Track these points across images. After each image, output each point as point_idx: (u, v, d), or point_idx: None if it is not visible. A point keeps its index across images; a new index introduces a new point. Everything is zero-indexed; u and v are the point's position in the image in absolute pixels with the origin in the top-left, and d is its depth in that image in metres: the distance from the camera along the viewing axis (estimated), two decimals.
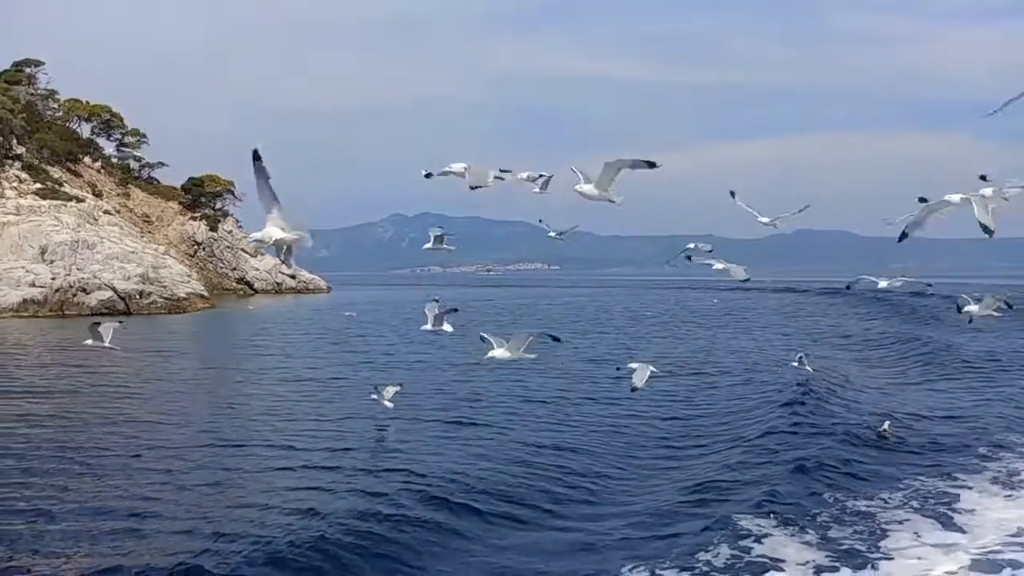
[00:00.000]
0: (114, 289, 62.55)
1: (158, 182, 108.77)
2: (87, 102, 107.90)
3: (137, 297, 62.96)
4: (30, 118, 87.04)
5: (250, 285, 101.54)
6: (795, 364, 20.28)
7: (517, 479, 13.24)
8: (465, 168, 9.48)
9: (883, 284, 16.39)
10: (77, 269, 63.48)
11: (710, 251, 16.17)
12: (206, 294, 71.26)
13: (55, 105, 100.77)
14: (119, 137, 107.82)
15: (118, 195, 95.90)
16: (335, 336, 39.50)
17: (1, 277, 61.04)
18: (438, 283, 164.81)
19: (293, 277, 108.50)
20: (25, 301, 59.50)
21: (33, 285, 61.06)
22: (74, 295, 61.70)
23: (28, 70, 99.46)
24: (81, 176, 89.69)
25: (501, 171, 9.72)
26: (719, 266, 15.14)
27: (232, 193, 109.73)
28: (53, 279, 61.71)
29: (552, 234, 12.55)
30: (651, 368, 13.38)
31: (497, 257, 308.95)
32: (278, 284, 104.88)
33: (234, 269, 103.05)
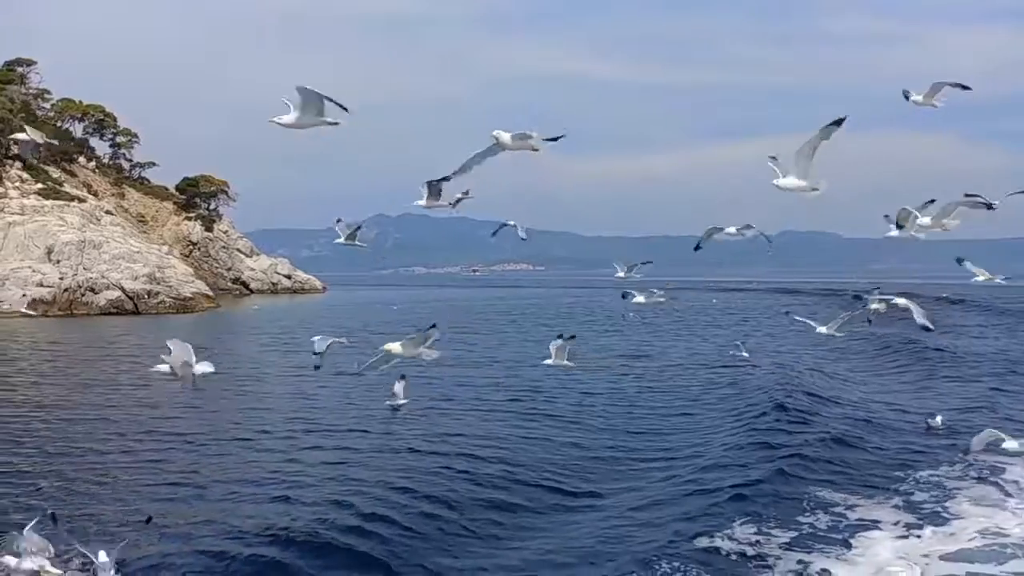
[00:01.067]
0: (122, 289, 63.02)
1: (148, 182, 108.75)
2: (80, 102, 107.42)
3: (146, 297, 63.44)
4: (27, 118, 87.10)
5: (246, 285, 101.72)
6: (732, 353, 22.11)
7: (623, 462, 14.62)
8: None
9: (822, 330, 17.55)
10: (84, 269, 63.89)
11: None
12: (210, 294, 71.81)
13: (46, 105, 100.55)
14: (112, 137, 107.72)
15: (113, 195, 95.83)
16: (359, 335, 40.55)
17: (8, 277, 61.35)
18: (426, 283, 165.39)
19: (289, 277, 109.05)
20: (34, 301, 59.81)
21: (41, 285, 61.42)
22: (83, 295, 62.12)
23: (20, 69, 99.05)
24: (76, 176, 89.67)
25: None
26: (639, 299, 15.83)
27: (226, 193, 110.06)
28: (61, 279, 62.09)
29: (523, 236, 12.30)
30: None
31: (483, 257, 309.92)
32: (274, 284, 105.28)
33: (229, 269, 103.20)
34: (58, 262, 64.06)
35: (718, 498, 12.28)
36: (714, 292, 67.30)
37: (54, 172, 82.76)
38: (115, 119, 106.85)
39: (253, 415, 18.72)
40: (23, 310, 22.26)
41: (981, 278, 12.30)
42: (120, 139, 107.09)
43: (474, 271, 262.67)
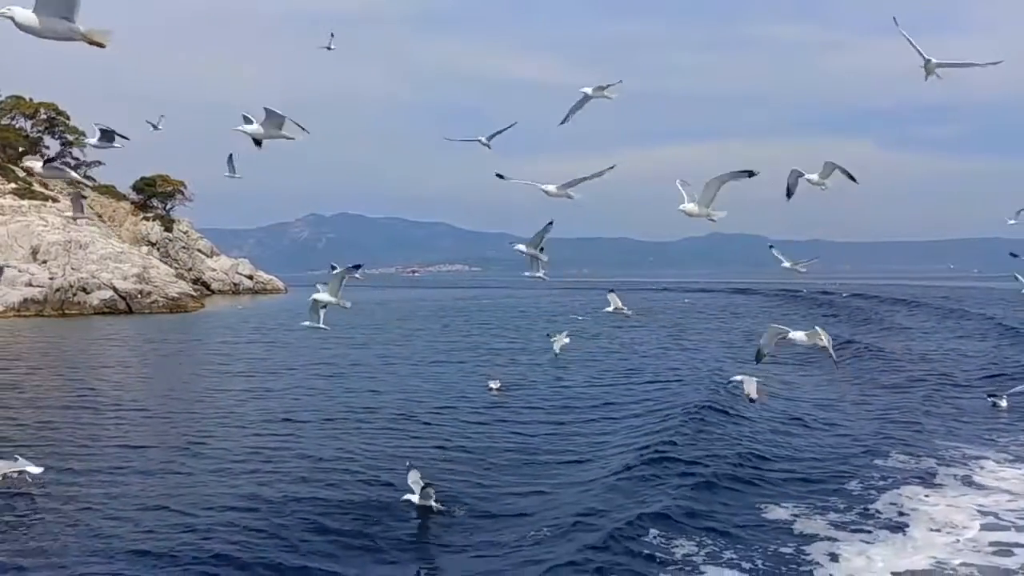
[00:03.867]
0: (115, 289, 63.84)
1: (95, 181, 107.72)
2: (30, 99, 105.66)
3: (139, 296, 64.40)
4: None
5: (207, 286, 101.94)
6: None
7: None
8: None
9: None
10: (73, 269, 64.32)
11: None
12: (194, 294, 72.97)
13: None
14: (62, 135, 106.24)
15: (68, 194, 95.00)
16: (385, 330, 43.77)
17: None
18: (369, 285, 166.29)
19: (250, 277, 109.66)
20: (26, 300, 60.23)
21: (30, 285, 61.72)
22: (74, 295, 62.68)
23: None
24: (33, 175, 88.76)
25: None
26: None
27: (182, 193, 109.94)
28: (52, 279, 62.50)
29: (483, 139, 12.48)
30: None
31: (417, 258, 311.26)
32: (235, 285, 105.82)
33: (190, 270, 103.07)
34: (45, 262, 64.36)
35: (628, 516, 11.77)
36: (685, 293, 72.47)
37: (20, 172, 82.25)
38: (68, 117, 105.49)
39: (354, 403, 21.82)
40: None
41: (787, 264, 13.25)
42: (68, 137, 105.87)
43: (413, 272, 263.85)
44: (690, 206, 9.27)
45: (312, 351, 32.62)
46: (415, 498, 12.25)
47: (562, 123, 10.97)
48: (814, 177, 10.23)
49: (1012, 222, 11.48)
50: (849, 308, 59.06)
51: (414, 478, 12.35)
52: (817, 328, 11.06)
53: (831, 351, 10.69)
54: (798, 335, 10.70)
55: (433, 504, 12.30)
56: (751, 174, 8.93)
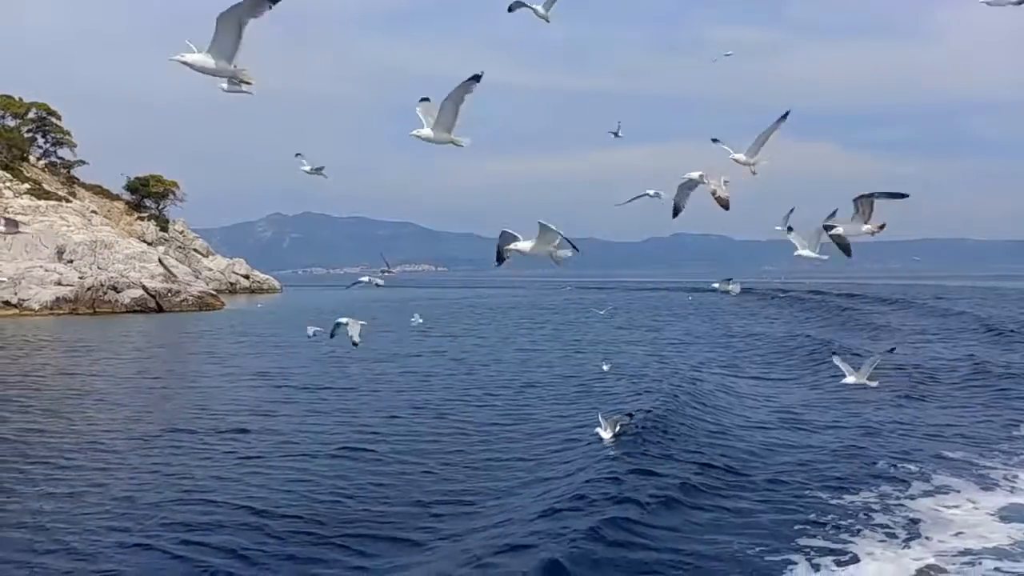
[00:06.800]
0: (144, 287, 65.27)
1: (79, 181, 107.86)
2: (20, 99, 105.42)
3: (168, 295, 65.88)
4: None
5: None
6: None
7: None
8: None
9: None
10: (99, 268, 65.53)
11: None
12: (214, 292, 74.57)
13: None
14: (52, 135, 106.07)
15: (65, 195, 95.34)
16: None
17: (24, 276, 62.42)
18: (331, 284, 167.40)
19: (247, 277, 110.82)
20: (58, 299, 61.38)
21: (60, 284, 62.84)
22: (104, 293, 63.97)
23: None
24: (29, 176, 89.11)
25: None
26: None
27: (174, 194, 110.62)
28: (81, 278, 63.67)
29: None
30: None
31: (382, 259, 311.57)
32: (232, 284, 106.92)
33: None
34: (71, 261, 65.45)
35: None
36: (688, 292, 76.56)
37: (27, 172, 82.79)
38: (59, 116, 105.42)
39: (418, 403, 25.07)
40: None
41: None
42: (55, 136, 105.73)
43: (384, 272, 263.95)
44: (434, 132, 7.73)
45: (397, 342, 35.66)
46: (606, 434, 14.77)
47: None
48: (807, 253, 9.32)
49: (778, 228, 12.38)
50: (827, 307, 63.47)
51: (611, 419, 15.05)
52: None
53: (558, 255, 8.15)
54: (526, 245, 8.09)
55: (620, 429, 14.89)
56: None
